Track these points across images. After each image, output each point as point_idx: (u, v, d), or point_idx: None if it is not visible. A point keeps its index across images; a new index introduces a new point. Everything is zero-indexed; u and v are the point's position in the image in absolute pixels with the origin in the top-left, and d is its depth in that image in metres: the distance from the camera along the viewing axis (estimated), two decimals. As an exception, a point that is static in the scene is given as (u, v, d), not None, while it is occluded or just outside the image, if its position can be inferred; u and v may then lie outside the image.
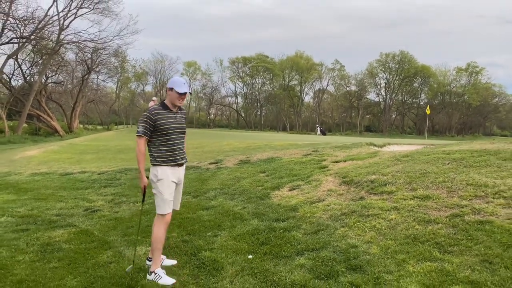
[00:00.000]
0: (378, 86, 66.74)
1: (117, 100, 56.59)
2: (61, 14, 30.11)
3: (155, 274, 3.49)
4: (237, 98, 67.87)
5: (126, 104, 61.23)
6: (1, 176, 9.73)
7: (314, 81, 66.41)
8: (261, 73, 64.85)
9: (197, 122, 62.11)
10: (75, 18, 31.12)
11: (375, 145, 10.24)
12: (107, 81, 45.94)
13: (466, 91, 62.43)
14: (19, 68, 32.54)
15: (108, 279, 3.50)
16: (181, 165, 3.71)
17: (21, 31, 27.93)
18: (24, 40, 28.59)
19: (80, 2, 30.15)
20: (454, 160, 5.79)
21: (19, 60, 31.99)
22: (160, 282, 3.41)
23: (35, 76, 33.22)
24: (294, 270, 3.42)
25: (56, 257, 4.08)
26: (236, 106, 68.57)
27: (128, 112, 60.92)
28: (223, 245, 4.14)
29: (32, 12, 27.69)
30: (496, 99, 66.19)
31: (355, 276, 3.18)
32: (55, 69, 35.01)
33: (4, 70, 29.85)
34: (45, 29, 29.31)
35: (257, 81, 66.66)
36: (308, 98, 70.43)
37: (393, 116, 69.39)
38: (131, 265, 3.68)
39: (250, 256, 3.79)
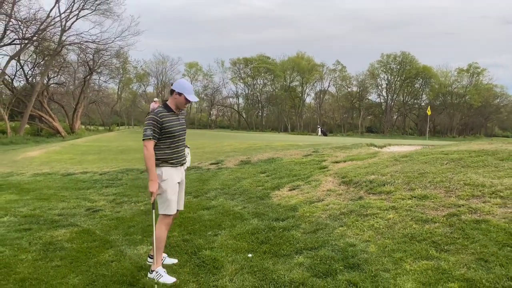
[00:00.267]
0: (379, 87, 66.84)
1: (118, 101, 56.76)
2: (63, 16, 30.26)
3: (156, 273, 3.53)
4: (238, 99, 68.06)
5: (127, 105, 61.40)
6: (4, 176, 9.81)
7: (315, 82, 66.48)
8: (263, 74, 64.94)
9: (198, 123, 62.22)
10: (77, 19, 31.28)
11: (375, 146, 10.27)
12: (109, 82, 46.07)
13: (468, 92, 62.37)
14: (21, 69, 32.74)
15: (110, 277, 3.55)
16: (183, 164, 3.76)
17: (23, 32, 28.05)
18: (26, 41, 28.71)
19: (82, 4, 30.29)
20: (452, 160, 5.83)
21: (21, 61, 32.12)
22: (161, 280, 3.46)
23: (37, 77, 33.34)
24: (293, 268, 3.47)
25: (59, 256, 4.14)
26: (238, 107, 68.67)
27: (129, 113, 61.11)
28: (223, 244, 4.19)
29: (34, 14, 27.83)
30: (498, 100, 66.07)
31: (353, 274, 3.23)
32: (57, 70, 35.15)
33: (6, 71, 30.02)
34: (47, 30, 29.46)
35: (259, 82, 66.83)
36: (309, 99, 70.60)
37: (395, 117, 69.37)
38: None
39: (249, 255, 3.84)
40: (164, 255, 3.89)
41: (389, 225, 4.05)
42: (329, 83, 66.70)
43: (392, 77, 64.78)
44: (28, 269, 3.83)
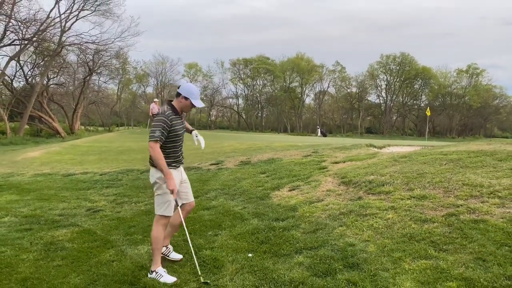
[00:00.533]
0: (378, 88, 66.81)
1: (118, 101, 56.69)
2: (62, 16, 30.20)
3: (156, 273, 3.55)
4: (238, 99, 67.99)
5: (127, 105, 61.34)
6: (4, 177, 9.83)
7: (315, 82, 66.45)
8: (262, 75, 64.92)
9: (198, 123, 62.16)
10: (76, 20, 31.24)
11: (374, 146, 10.31)
12: (109, 83, 45.97)
13: (467, 93, 62.42)
14: (21, 70, 32.69)
15: (111, 277, 3.58)
16: (182, 163, 3.84)
17: (23, 33, 28.02)
18: (26, 42, 28.67)
19: (82, 4, 30.26)
20: (451, 161, 5.86)
21: (21, 61, 32.08)
22: (162, 280, 3.48)
23: (37, 77, 33.33)
24: (292, 268, 3.49)
25: (60, 256, 4.16)
26: (237, 108, 68.65)
27: (129, 113, 61.04)
28: (224, 244, 4.22)
29: (34, 14, 27.77)
30: (497, 101, 66.12)
31: (352, 274, 3.25)
32: (57, 71, 35.12)
33: (6, 72, 29.98)
34: (47, 31, 29.40)
35: (258, 83, 66.75)
36: (309, 100, 70.53)
37: (394, 118, 69.38)
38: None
39: (250, 255, 3.87)
40: (170, 247, 3.95)
41: (388, 225, 4.08)
42: (329, 84, 66.77)
43: (392, 78, 64.81)
44: (29, 268, 3.85)
